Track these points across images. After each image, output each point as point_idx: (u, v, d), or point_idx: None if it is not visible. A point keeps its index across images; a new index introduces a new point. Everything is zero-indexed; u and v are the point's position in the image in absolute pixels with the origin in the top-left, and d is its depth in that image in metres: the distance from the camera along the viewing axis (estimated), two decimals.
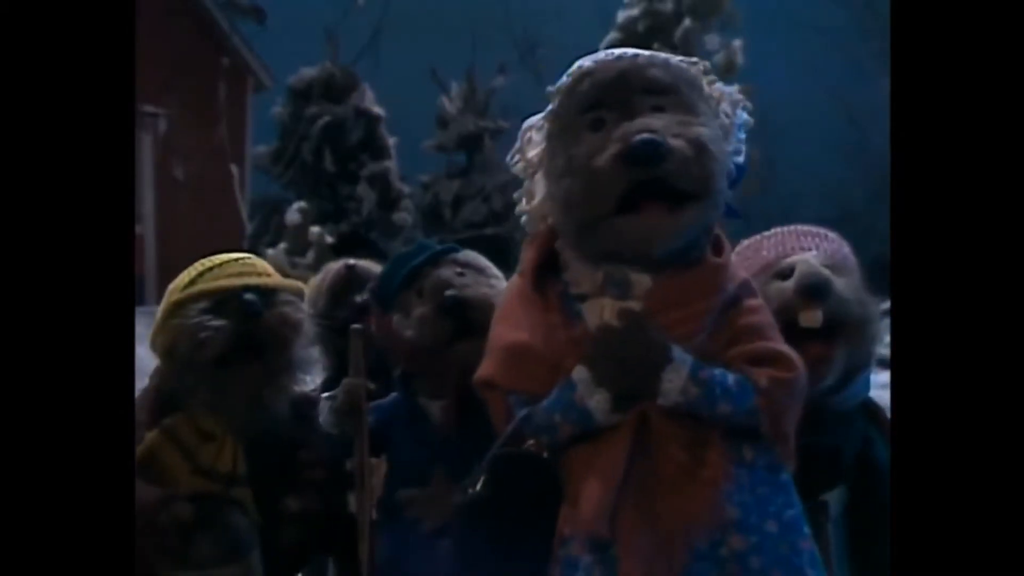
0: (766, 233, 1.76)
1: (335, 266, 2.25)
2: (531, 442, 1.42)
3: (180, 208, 12.08)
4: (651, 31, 12.54)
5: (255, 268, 1.82)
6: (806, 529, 1.40)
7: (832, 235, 1.74)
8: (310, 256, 10.95)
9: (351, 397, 1.72)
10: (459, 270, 1.75)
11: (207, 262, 1.80)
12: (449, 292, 1.69)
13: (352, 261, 2.13)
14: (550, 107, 1.48)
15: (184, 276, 1.79)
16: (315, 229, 11.14)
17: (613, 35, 12.86)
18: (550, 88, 1.49)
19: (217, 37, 13.17)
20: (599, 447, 1.38)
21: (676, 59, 1.48)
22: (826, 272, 1.60)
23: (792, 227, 1.76)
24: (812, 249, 1.67)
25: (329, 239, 11.08)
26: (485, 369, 1.46)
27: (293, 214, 11.72)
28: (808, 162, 17.32)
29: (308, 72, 14.22)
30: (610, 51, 1.48)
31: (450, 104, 15.62)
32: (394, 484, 1.73)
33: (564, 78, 1.47)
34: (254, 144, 14.15)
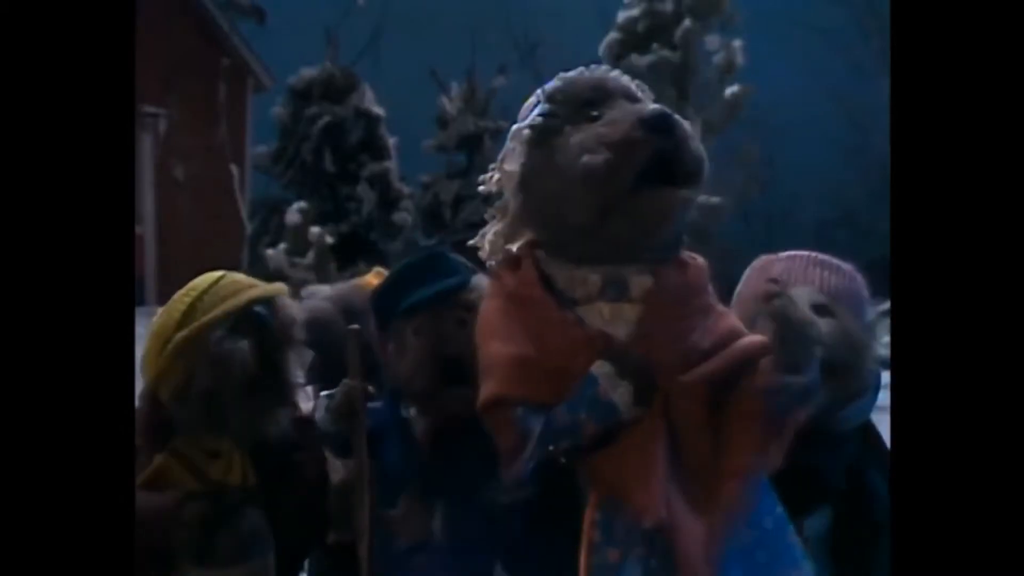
0: (781, 255, 1.73)
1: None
2: (551, 448, 1.39)
3: (180, 208, 12.10)
4: (651, 31, 12.54)
5: (243, 282, 1.77)
6: (791, 526, 1.43)
7: (846, 267, 1.71)
8: (310, 256, 10.96)
9: (349, 399, 1.72)
10: (463, 316, 1.66)
11: (192, 290, 1.73)
12: (447, 351, 1.64)
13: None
14: (536, 113, 1.47)
15: (173, 313, 1.70)
16: (315, 229, 11.15)
17: (613, 35, 12.86)
18: (539, 91, 1.50)
19: (217, 37, 13.19)
20: (632, 440, 1.37)
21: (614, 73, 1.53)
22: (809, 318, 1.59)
23: (809, 254, 1.71)
24: (814, 281, 1.64)
25: (329, 239, 11.09)
26: (489, 389, 1.42)
27: (293, 214, 11.72)
28: (808, 162, 17.30)
29: (308, 72, 14.22)
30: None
31: (450, 104, 15.62)
32: (379, 489, 1.72)
33: (554, 83, 1.49)
34: (254, 144, 14.17)
